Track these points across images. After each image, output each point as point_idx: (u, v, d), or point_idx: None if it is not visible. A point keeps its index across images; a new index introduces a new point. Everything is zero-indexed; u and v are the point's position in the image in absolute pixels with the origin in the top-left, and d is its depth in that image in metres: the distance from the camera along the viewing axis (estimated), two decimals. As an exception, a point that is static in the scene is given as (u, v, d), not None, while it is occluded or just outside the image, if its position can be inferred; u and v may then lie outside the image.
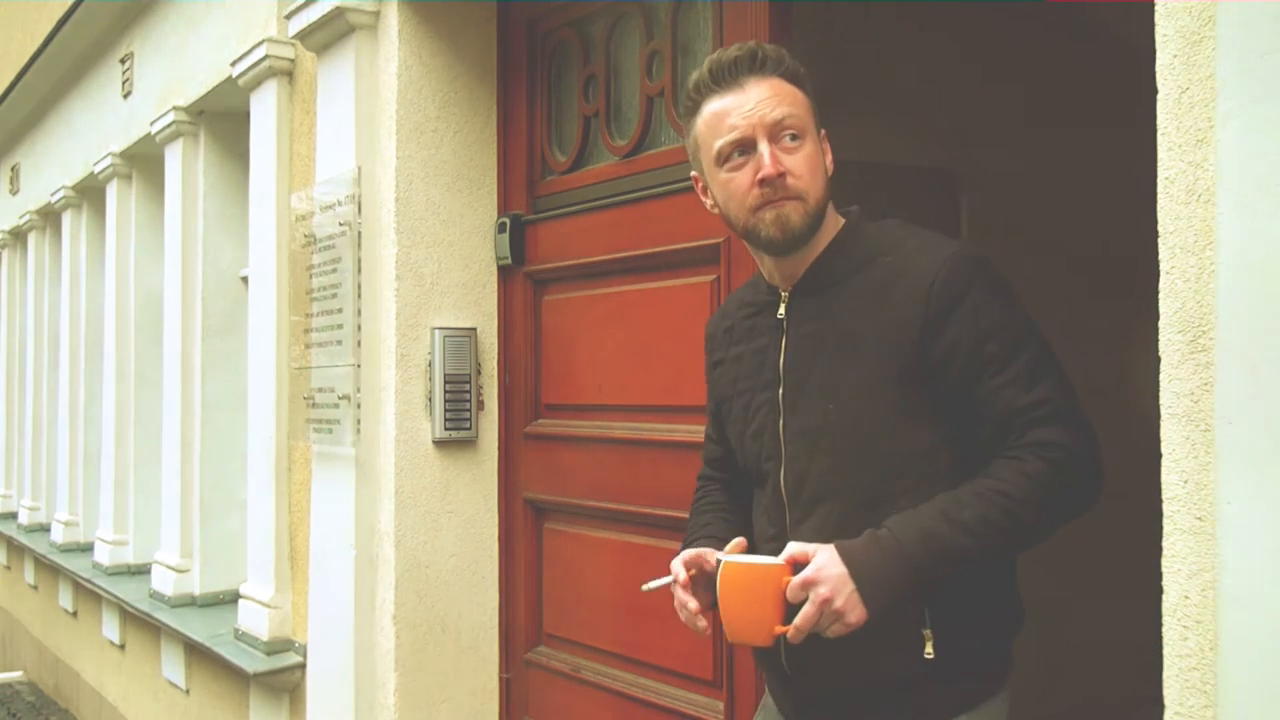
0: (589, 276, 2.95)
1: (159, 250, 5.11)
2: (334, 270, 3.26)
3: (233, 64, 3.97)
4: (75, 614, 6.19)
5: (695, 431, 2.56)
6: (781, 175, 1.57)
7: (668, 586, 1.69)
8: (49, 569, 6.57)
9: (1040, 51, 4.17)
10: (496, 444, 3.22)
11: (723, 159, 1.62)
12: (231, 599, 4.30)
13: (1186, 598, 1.27)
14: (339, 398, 3.21)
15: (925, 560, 1.48)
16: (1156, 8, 1.31)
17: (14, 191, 7.82)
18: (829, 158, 1.65)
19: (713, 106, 1.63)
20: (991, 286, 1.56)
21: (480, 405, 3.18)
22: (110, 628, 5.51)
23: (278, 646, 3.73)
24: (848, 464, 1.59)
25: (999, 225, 3.92)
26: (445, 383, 3.11)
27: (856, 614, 1.47)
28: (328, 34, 3.28)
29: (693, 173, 1.75)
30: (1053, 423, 1.50)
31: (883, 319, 1.57)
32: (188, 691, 4.53)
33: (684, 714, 2.60)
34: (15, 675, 7.57)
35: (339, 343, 3.23)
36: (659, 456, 2.68)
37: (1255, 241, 1.19)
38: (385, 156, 3.14)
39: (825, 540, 1.53)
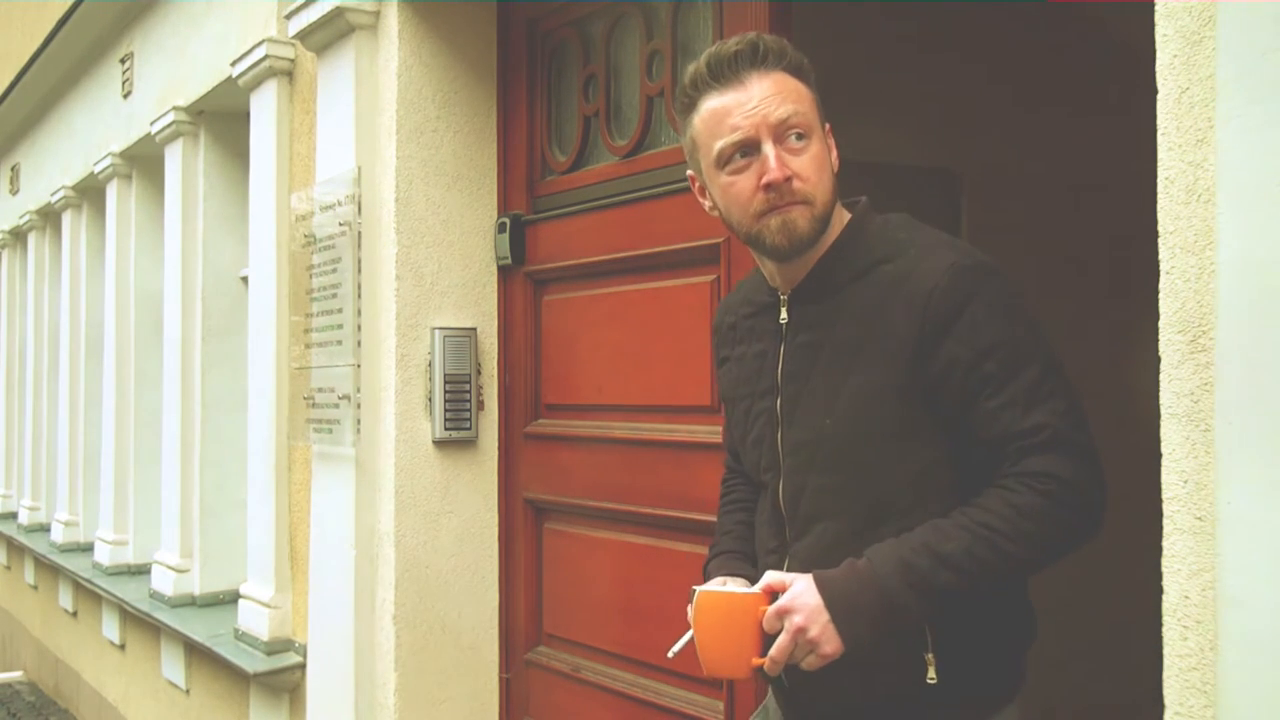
0: (589, 276, 2.95)
1: (159, 250, 5.11)
2: (334, 270, 3.26)
3: (233, 64, 3.97)
4: (75, 614, 6.19)
5: (695, 431, 2.56)
6: (788, 180, 1.48)
7: (691, 645, 1.58)
8: (49, 569, 6.58)
9: (1040, 51, 4.17)
10: (496, 444, 3.21)
11: (724, 161, 1.52)
12: (231, 599, 4.30)
13: (1186, 598, 1.27)
14: (339, 398, 3.21)
15: (902, 593, 1.41)
16: (1156, 8, 1.31)
17: (14, 191, 7.82)
18: (834, 154, 1.56)
19: (711, 104, 1.52)
20: (993, 299, 1.46)
21: (480, 405, 3.18)
22: (110, 628, 5.51)
23: (278, 646, 3.73)
24: (845, 482, 1.53)
25: (999, 225, 3.92)
26: (445, 383, 3.11)
27: (831, 645, 1.42)
28: (327, 34, 3.28)
29: (689, 172, 1.66)
30: (1050, 451, 1.41)
31: (880, 331, 1.49)
32: (188, 691, 4.53)
33: (684, 714, 2.60)
34: (15, 675, 7.58)
35: (339, 343, 3.23)
36: (659, 456, 2.68)
37: (1255, 241, 1.19)
38: (385, 156, 3.14)
39: (824, 558, 1.49)
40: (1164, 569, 1.29)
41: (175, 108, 4.60)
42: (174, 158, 4.74)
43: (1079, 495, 1.42)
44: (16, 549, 7.44)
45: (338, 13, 3.16)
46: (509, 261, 3.15)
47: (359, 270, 3.16)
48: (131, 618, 5.11)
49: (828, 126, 1.57)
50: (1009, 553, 1.41)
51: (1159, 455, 1.30)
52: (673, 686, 2.65)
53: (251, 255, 4.01)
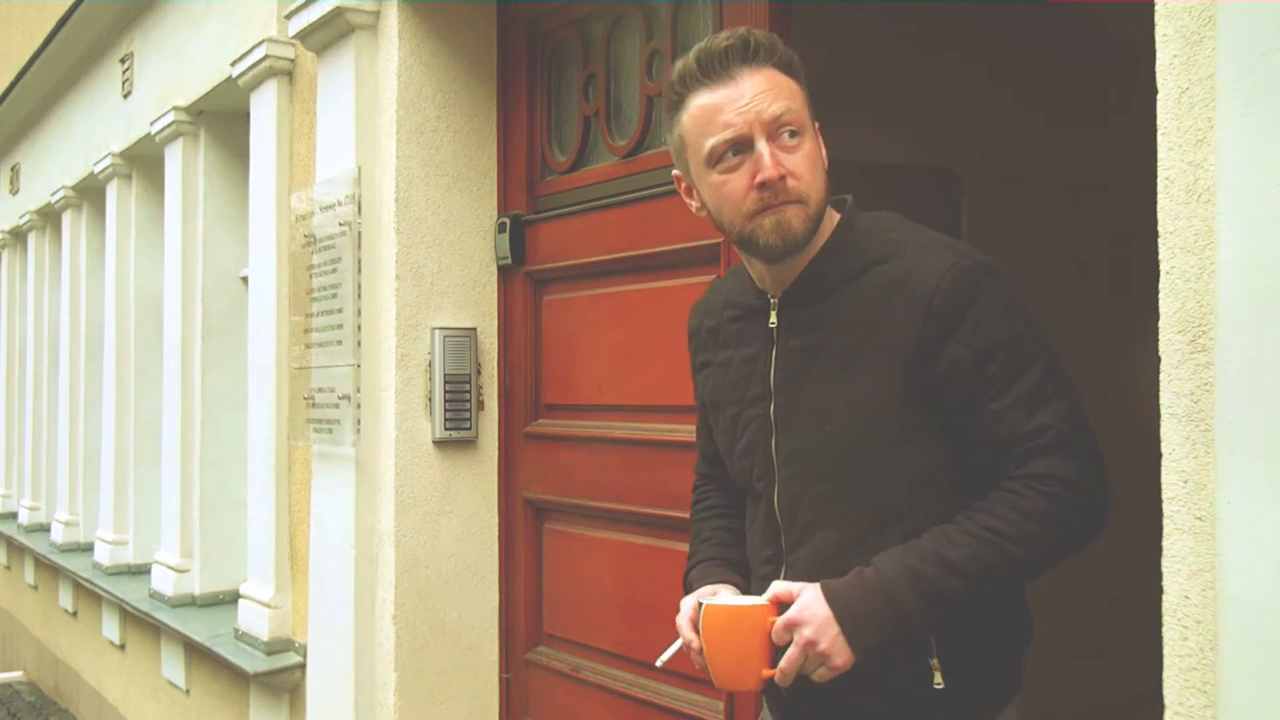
0: (589, 276, 2.95)
1: (159, 250, 5.11)
2: (334, 270, 3.26)
3: (233, 64, 3.97)
4: (75, 614, 6.19)
5: (694, 432, 2.56)
6: (783, 178, 1.44)
7: (681, 651, 1.60)
8: (49, 569, 6.58)
9: (1040, 51, 4.17)
10: (496, 444, 3.21)
11: (715, 159, 1.48)
12: (231, 599, 4.29)
13: (1186, 598, 1.27)
14: (339, 398, 3.21)
15: (911, 601, 1.39)
16: (1156, 8, 1.31)
17: (14, 191, 7.82)
18: (824, 152, 1.52)
19: (701, 101, 1.47)
20: (995, 298, 1.44)
21: (480, 405, 3.18)
22: (110, 628, 5.51)
23: (278, 646, 3.73)
24: (845, 489, 1.50)
25: (999, 225, 3.92)
26: (445, 383, 3.11)
27: (842, 657, 1.40)
28: (327, 34, 3.28)
29: (675, 172, 1.60)
30: (1054, 452, 1.40)
31: (880, 334, 1.46)
32: (188, 691, 4.53)
33: (684, 714, 2.60)
34: (15, 675, 7.58)
35: (339, 343, 3.23)
36: (659, 456, 2.68)
37: (1255, 241, 1.19)
38: (385, 156, 3.14)
39: (823, 567, 1.48)
40: (1164, 569, 1.29)
41: (175, 108, 4.61)
42: (174, 158, 4.74)
43: (1083, 496, 1.41)
44: (16, 549, 7.44)
45: (338, 13, 3.16)
46: (509, 261, 3.15)
47: (359, 270, 3.16)
48: (131, 618, 5.11)
49: (817, 125, 1.53)
50: (1015, 556, 1.40)
51: (1159, 455, 1.30)
52: (673, 686, 2.65)
53: (251, 255, 4.02)
